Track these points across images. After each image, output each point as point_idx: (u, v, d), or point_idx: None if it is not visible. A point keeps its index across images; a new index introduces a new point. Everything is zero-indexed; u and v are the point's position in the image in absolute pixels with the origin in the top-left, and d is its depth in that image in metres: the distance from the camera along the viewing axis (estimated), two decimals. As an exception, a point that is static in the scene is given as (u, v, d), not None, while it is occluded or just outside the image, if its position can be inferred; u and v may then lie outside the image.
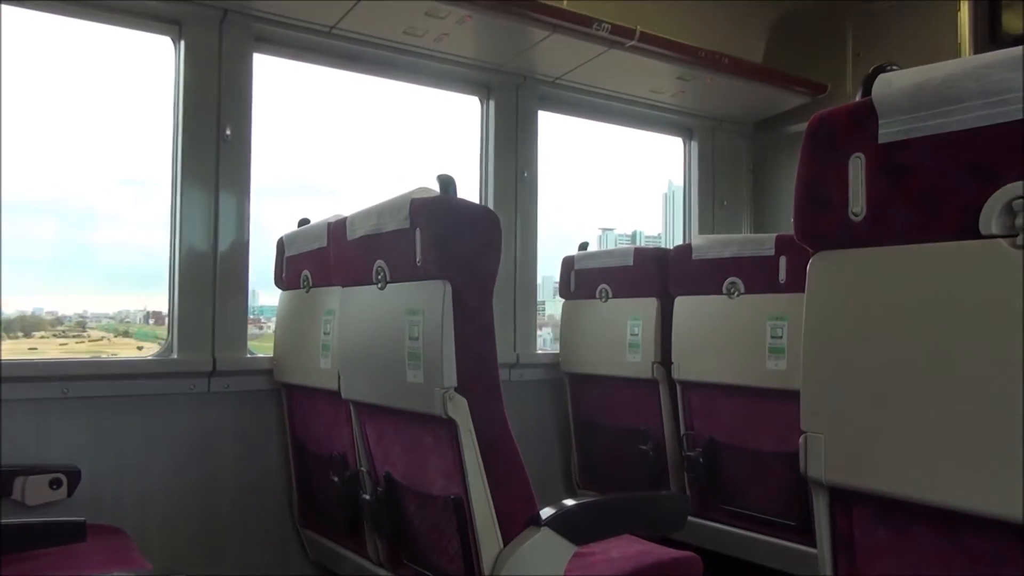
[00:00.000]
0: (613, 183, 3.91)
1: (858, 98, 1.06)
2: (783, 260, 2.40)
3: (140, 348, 2.70)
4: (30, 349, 2.53)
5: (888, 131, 1.02)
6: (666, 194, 4.12)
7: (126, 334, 2.78)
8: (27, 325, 2.59)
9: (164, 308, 2.63)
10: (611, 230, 3.97)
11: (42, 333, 2.60)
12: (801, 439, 1.12)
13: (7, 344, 2.42)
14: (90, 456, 2.28)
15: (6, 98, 2.33)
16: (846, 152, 1.06)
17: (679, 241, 3.93)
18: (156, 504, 2.39)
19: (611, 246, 3.82)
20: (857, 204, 1.05)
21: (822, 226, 1.10)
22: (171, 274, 2.51)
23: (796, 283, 2.35)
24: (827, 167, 1.08)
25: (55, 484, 2.19)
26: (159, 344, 2.56)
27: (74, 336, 2.64)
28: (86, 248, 2.68)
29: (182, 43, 2.50)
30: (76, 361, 2.39)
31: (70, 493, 2.21)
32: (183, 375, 2.44)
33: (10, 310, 2.63)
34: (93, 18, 2.42)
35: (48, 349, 2.56)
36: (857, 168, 1.05)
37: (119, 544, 2.05)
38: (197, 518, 2.46)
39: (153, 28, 2.50)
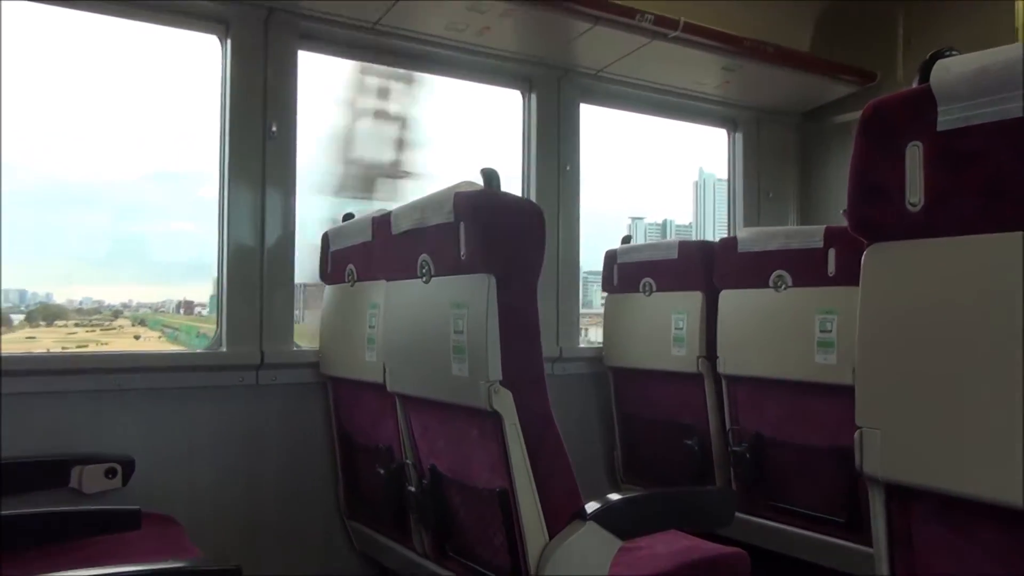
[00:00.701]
0: (642, 170, 3.82)
1: (915, 85, 1.04)
2: (832, 252, 2.36)
3: (137, 338, 2.75)
4: (27, 338, 2.60)
5: (947, 118, 0.99)
6: (697, 182, 4.06)
7: (142, 323, 2.84)
8: (49, 314, 2.65)
9: (197, 298, 2.69)
10: (641, 219, 3.90)
11: (64, 322, 2.67)
12: (856, 434, 1.09)
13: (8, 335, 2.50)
14: (144, 446, 2.33)
15: (62, 95, 2.40)
16: (903, 141, 1.03)
17: (711, 230, 3.88)
18: (206, 494, 2.44)
19: (641, 235, 3.78)
20: (915, 194, 1.03)
21: (878, 217, 1.07)
22: (219, 268, 2.56)
23: (846, 276, 2.30)
24: (883, 156, 1.06)
25: (110, 473, 2.25)
26: (161, 332, 2.61)
27: (89, 326, 2.70)
28: (136, 240, 2.75)
29: (229, 42, 2.53)
30: (130, 354, 2.45)
31: (124, 482, 2.27)
32: (232, 368, 2.48)
33: (61, 299, 2.72)
34: (142, 18, 2.46)
35: (46, 337, 2.62)
36: (914, 157, 1.02)
37: (171, 532, 2.10)
38: (246, 508, 2.50)
39: (200, 27, 2.54)
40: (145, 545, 1.94)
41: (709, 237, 3.89)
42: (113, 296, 2.79)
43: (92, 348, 2.60)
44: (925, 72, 1.02)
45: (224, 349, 2.50)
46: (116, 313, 2.77)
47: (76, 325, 2.67)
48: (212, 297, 2.84)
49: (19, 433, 2.18)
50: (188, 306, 2.95)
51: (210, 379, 2.45)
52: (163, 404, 2.39)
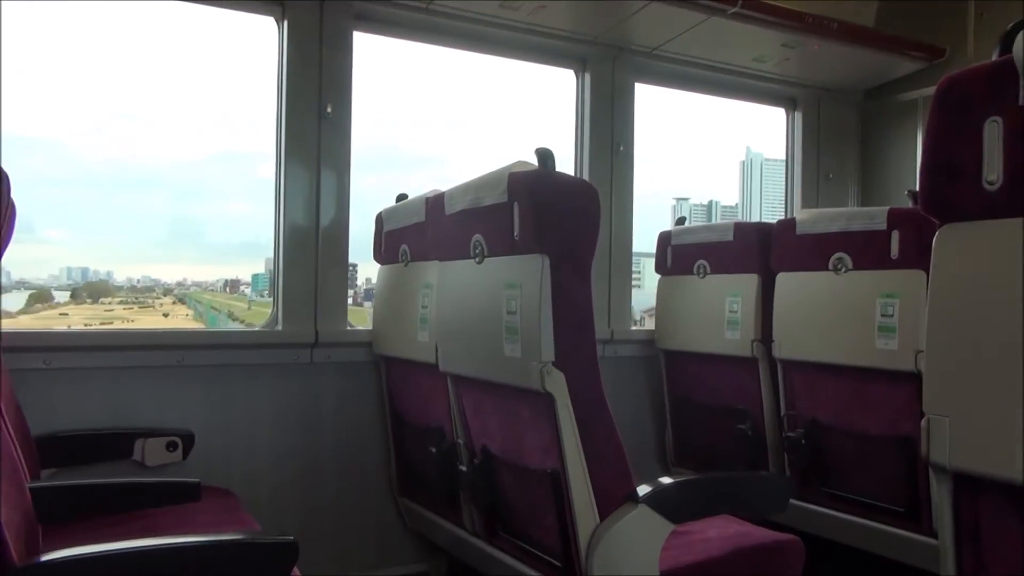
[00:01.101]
0: (685, 150, 3.71)
1: (994, 57, 0.99)
2: (895, 235, 2.28)
3: (166, 315, 2.81)
4: (60, 315, 2.68)
5: None
6: (744, 162, 3.95)
7: (182, 301, 2.91)
8: (94, 292, 2.73)
9: (246, 277, 2.78)
10: (686, 199, 3.78)
11: (108, 299, 2.74)
12: (923, 422, 1.06)
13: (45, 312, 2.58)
14: (203, 421, 2.39)
15: (125, 79, 2.46)
16: (981, 116, 0.99)
17: (757, 211, 3.78)
18: (263, 468, 2.50)
19: (687, 216, 3.68)
20: (993, 172, 0.98)
21: (952, 196, 1.03)
22: (275, 248, 2.60)
23: (909, 259, 2.24)
24: (958, 132, 1.01)
25: (171, 447, 2.32)
26: (187, 310, 2.67)
27: (130, 303, 2.77)
28: (195, 220, 2.82)
29: (285, 23, 2.56)
30: (190, 331, 2.51)
31: (185, 456, 2.33)
32: (287, 346, 2.53)
33: (121, 278, 2.80)
34: (202, 1, 2.50)
35: (77, 314, 2.69)
36: (993, 133, 0.98)
37: (229, 505, 2.15)
38: (301, 482, 2.55)
39: (257, 9, 2.57)
40: (204, 517, 1.99)
41: (756, 218, 3.80)
42: (170, 275, 2.87)
43: (119, 325, 2.67)
44: (1007, 44, 0.96)
45: (280, 328, 2.54)
46: (167, 291, 2.85)
47: (120, 303, 2.75)
48: (254, 276, 2.91)
49: (86, 406, 2.26)
50: (233, 285, 3.02)
51: (267, 357, 2.50)
52: (222, 380, 2.44)
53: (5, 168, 1.58)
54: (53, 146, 2.48)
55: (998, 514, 1.01)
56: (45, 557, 1.18)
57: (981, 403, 0.99)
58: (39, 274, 2.71)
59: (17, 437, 1.68)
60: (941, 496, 1.07)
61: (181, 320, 2.87)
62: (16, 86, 2.21)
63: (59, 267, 2.77)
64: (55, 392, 2.22)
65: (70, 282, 2.80)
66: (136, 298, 2.81)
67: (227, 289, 3.04)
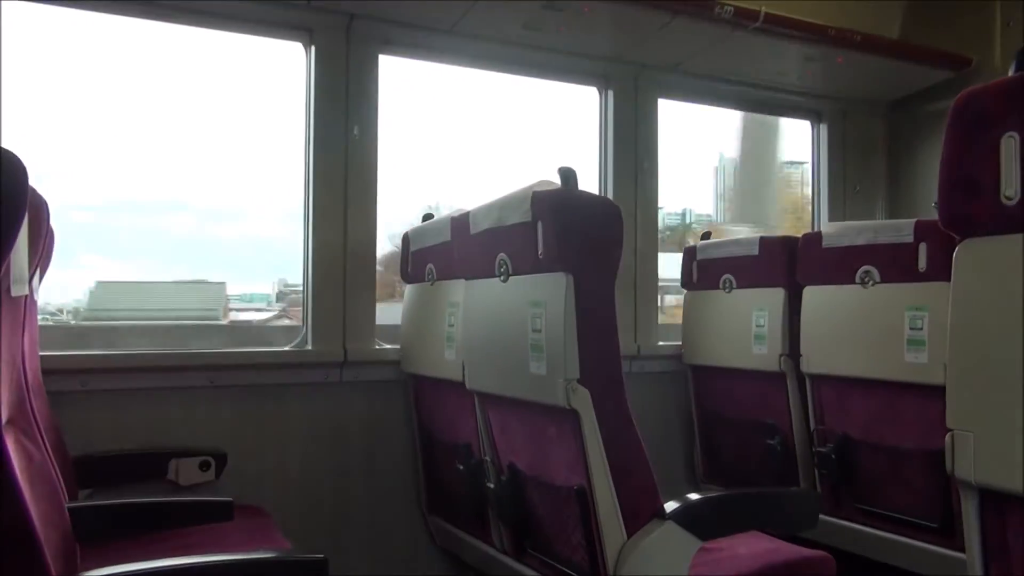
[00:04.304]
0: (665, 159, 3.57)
1: (1012, 72, 0.99)
2: (923, 247, 2.27)
3: None
4: None
5: None
6: (716, 168, 3.90)
7: None
8: None
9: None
10: (660, 208, 3.74)
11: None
12: (948, 437, 1.05)
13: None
14: (235, 441, 2.43)
15: (155, 107, 2.53)
16: (998, 131, 0.99)
17: (731, 220, 3.74)
18: (294, 486, 2.53)
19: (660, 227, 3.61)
20: (1010, 187, 0.98)
21: (970, 211, 1.03)
22: (304, 269, 2.64)
23: (937, 272, 2.22)
24: (976, 147, 1.01)
25: (204, 466, 2.35)
26: None
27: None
28: (221, 243, 2.86)
29: (312, 48, 2.61)
30: (222, 352, 2.54)
31: (217, 475, 2.37)
32: (317, 365, 2.56)
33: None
34: (230, 28, 2.56)
35: None
36: (1010, 148, 0.98)
37: (262, 523, 2.18)
38: (331, 501, 2.58)
39: (285, 35, 2.63)
40: (237, 535, 2.02)
41: (731, 227, 3.76)
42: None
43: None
44: (1022, 60, 0.97)
45: (309, 347, 2.58)
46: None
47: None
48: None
49: (121, 427, 2.31)
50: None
51: (297, 376, 2.54)
52: (253, 400, 2.49)
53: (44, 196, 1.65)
54: (84, 173, 2.55)
55: (1025, 531, 1.01)
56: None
57: (1005, 417, 0.98)
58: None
59: (56, 458, 1.73)
60: (968, 512, 1.07)
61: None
62: (47, 114, 2.27)
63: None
64: (92, 414, 2.27)
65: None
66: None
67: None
